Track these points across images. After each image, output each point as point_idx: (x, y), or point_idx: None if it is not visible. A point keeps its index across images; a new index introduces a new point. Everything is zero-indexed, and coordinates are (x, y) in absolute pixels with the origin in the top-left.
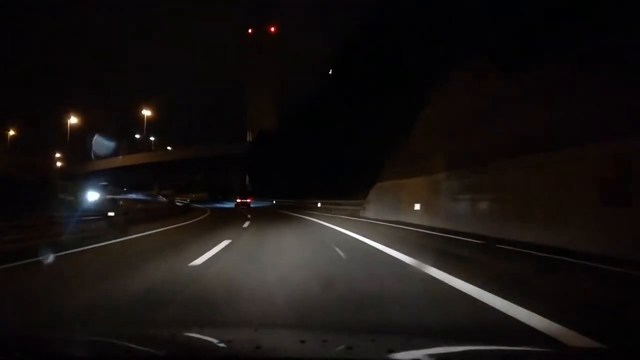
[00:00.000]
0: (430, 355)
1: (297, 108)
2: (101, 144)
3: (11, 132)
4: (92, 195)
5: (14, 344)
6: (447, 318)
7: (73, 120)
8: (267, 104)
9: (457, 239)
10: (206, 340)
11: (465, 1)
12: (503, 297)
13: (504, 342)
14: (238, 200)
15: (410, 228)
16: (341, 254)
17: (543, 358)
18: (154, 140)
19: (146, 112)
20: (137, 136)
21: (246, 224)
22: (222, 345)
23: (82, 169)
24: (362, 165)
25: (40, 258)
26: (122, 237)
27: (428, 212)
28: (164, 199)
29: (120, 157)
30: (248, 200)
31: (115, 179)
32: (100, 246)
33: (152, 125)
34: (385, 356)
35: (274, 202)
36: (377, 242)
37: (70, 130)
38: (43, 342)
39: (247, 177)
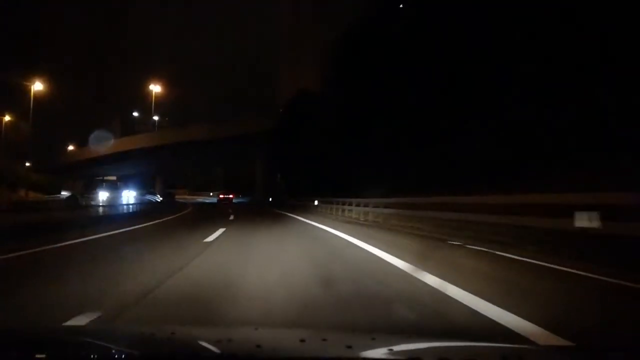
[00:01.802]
0: (430, 354)
1: (351, 60)
2: (100, 138)
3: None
4: (103, 195)
5: (13, 344)
6: None
7: (38, 86)
8: (306, 64)
9: None
10: (206, 339)
11: None
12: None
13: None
14: (220, 197)
15: None
16: None
17: (538, 357)
18: (158, 121)
19: (155, 88)
20: (135, 114)
21: None
22: (222, 344)
23: (65, 160)
24: None
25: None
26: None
27: None
28: (159, 198)
29: (112, 140)
30: (230, 197)
31: (103, 173)
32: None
33: (162, 107)
34: (385, 355)
35: (316, 202)
36: None
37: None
38: (41, 342)
39: (279, 174)
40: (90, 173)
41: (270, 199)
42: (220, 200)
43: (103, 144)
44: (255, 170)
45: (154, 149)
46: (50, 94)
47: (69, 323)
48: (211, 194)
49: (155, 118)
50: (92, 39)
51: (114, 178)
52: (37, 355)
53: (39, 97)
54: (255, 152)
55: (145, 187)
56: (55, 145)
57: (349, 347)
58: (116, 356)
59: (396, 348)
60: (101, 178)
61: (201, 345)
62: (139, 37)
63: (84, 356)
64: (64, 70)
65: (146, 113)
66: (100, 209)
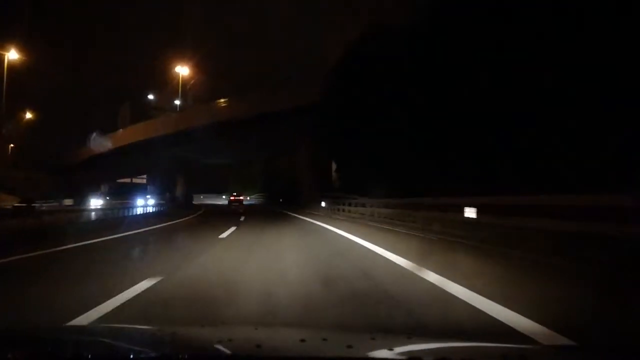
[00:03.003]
0: (430, 353)
1: None
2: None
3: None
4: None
5: (14, 344)
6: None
7: (13, 55)
8: None
9: None
10: (207, 339)
11: None
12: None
13: (494, 340)
14: (231, 198)
15: None
16: None
17: (537, 356)
18: (180, 106)
19: (181, 70)
20: (151, 97)
21: None
22: (222, 344)
23: (71, 159)
24: None
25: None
26: None
27: None
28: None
29: (121, 130)
30: (240, 198)
31: (105, 173)
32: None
33: (184, 90)
34: (385, 354)
35: (472, 212)
36: None
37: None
38: (42, 341)
39: (334, 165)
40: (102, 173)
41: (324, 203)
42: (231, 201)
43: (106, 137)
44: (300, 162)
45: (172, 137)
46: (51, 81)
47: None
48: (248, 198)
49: (177, 102)
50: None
51: (143, 180)
52: (38, 355)
53: (39, 87)
54: (302, 135)
55: (168, 189)
56: (63, 142)
57: (349, 346)
58: (117, 356)
59: (396, 348)
60: (129, 180)
61: (201, 345)
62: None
63: (85, 356)
64: (65, 53)
65: (164, 96)
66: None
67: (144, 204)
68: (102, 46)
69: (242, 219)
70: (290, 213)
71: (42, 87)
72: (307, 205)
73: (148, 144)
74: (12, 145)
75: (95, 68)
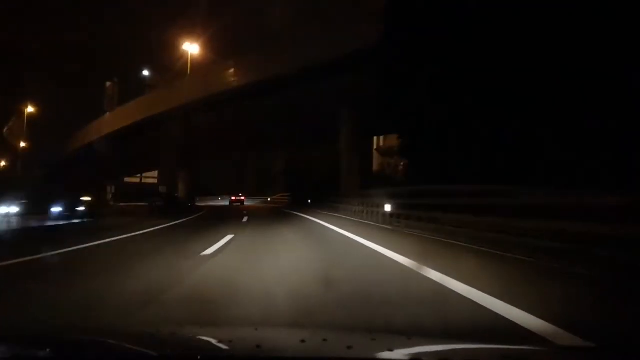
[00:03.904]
0: (430, 354)
1: None
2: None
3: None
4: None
5: (14, 344)
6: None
7: None
8: None
9: None
10: (206, 340)
11: None
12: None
13: (498, 341)
14: (233, 198)
15: None
16: None
17: (539, 357)
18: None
19: (191, 48)
20: (146, 73)
21: None
22: (222, 344)
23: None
24: None
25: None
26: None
27: None
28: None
29: (108, 114)
30: (242, 198)
31: (107, 171)
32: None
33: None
34: (385, 355)
35: None
36: None
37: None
38: (42, 342)
39: (399, 142)
40: (104, 171)
41: (388, 207)
42: (232, 201)
43: (93, 124)
44: (340, 142)
45: (174, 115)
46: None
47: None
48: (269, 199)
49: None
50: None
51: (154, 180)
52: (38, 355)
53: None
54: (341, 109)
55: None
56: (61, 136)
57: (349, 347)
58: (117, 356)
59: (396, 348)
60: (138, 179)
61: (201, 345)
62: None
63: (86, 356)
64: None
65: (164, 71)
66: None
67: (59, 211)
68: (102, 26)
69: (225, 240)
70: (330, 226)
71: (35, 77)
72: (347, 208)
73: (142, 128)
74: (23, 144)
75: (92, 54)
